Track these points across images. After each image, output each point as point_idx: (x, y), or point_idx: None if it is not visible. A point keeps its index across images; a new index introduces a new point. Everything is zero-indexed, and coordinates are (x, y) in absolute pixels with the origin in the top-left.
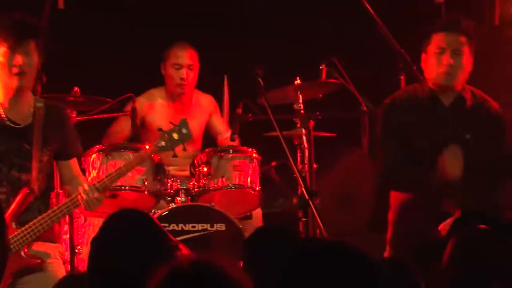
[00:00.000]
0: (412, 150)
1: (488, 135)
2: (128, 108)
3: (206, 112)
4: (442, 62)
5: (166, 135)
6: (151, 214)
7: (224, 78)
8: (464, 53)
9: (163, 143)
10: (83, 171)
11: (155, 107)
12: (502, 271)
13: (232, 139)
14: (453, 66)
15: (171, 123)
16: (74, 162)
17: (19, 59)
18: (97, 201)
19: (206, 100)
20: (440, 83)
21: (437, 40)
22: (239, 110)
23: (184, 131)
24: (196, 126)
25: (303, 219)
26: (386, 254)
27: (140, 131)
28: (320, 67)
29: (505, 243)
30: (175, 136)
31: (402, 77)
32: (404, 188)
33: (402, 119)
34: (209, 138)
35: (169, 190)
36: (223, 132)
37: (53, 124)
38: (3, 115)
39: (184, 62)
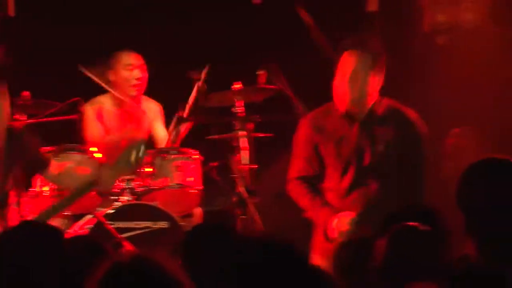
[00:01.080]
0: (321, 164)
1: (401, 143)
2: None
3: (150, 117)
4: (343, 82)
5: (123, 156)
6: (97, 212)
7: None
8: (368, 73)
9: (121, 165)
10: None
11: (102, 114)
12: (436, 266)
13: (174, 141)
14: (353, 87)
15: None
16: None
17: None
18: None
19: (152, 106)
20: (346, 108)
21: (342, 60)
22: (181, 113)
23: (141, 151)
24: (142, 132)
25: (242, 216)
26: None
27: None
28: (259, 72)
29: (438, 239)
30: (132, 157)
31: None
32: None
33: (312, 136)
34: None
35: (114, 190)
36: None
37: None
38: None
39: (136, 62)
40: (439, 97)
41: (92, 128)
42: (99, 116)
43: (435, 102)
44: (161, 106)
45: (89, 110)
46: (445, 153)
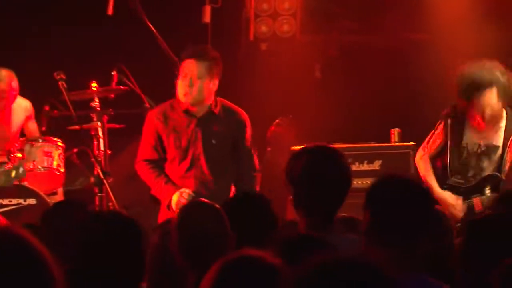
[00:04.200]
0: (164, 150)
1: (232, 137)
2: None
3: (23, 114)
4: (184, 85)
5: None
6: None
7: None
8: (204, 78)
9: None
10: None
11: None
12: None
13: (41, 132)
14: (192, 90)
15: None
16: None
17: None
18: None
19: (24, 104)
20: (187, 107)
21: (183, 66)
22: (47, 107)
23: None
24: (13, 125)
25: (99, 194)
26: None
27: None
28: (112, 73)
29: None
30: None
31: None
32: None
33: (157, 127)
34: None
35: None
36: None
37: None
38: None
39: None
40: (264, 93)
41: None
42: None
43: (261, 97)
44: (30, 103)
45: None
46: (267, 139)
